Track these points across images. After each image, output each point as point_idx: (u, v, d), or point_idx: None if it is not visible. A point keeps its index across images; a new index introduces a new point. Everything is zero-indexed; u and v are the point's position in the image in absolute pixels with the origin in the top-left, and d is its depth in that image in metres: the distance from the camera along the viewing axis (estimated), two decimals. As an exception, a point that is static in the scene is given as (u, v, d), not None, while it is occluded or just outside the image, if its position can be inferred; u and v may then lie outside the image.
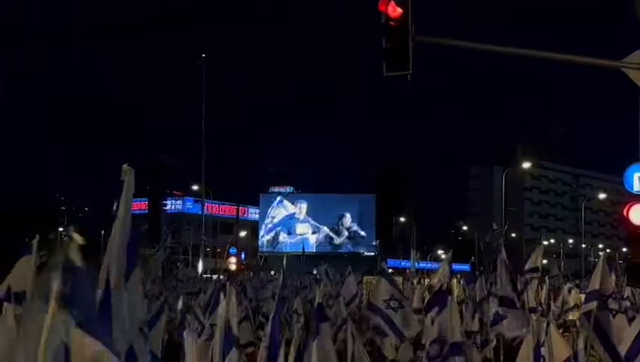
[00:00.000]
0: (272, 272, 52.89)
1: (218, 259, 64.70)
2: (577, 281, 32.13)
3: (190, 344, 5.90)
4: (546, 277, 27.45)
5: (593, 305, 9.78)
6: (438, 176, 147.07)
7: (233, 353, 5.70)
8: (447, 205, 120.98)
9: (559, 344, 7.75)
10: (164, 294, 16.87)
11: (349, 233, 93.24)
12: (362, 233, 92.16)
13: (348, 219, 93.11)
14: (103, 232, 70.47)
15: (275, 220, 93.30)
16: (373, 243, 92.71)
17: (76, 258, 3.46)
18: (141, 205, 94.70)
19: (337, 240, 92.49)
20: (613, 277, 11.20)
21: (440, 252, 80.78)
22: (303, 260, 48.83)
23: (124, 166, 4.27)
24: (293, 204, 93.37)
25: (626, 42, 12.41)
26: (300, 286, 22.48)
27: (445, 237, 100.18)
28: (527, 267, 15.44)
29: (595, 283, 9.96)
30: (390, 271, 66.06)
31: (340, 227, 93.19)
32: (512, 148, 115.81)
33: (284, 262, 19.89)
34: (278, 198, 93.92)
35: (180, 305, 14.12)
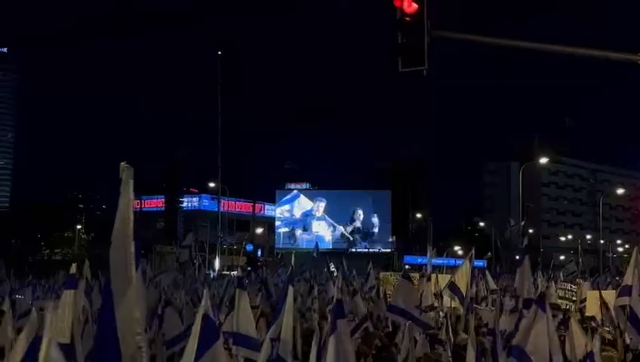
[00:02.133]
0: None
1: (234, 256, 64.89)
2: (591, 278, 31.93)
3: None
4: (560, 273, 27.36)
5: (626, 300, 9.81)
6: (455, 172, 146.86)
7: (217, 345, 5.71)
8: (464, 201, 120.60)
9: (580, 338, 7.85)
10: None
11: (362, 230, 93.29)
12: (375, 230, 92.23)
13: (360, 216, 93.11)
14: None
15: (294, 217, 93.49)
16: (390, 240, 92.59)
17: None
18: (158, 202, 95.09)
19: (349, 237, 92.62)
20: None
21: (457, 248, 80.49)
22: (318, 255, 48.91)
23: (122, 164, 4.29)
24: (312, 200, 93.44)
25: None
26: (316, 283, 22.65)
27: (462, 233, 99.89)
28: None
29: (628, 279, 9.97)
30: (407, 267, 65.99)
31: (353, 224, 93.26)
32: (529, 144, 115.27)
33: (293, 259, 20.16)
34: (295, 192, 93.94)
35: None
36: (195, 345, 5.49)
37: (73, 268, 6.96)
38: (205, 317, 5.63)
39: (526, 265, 11.04)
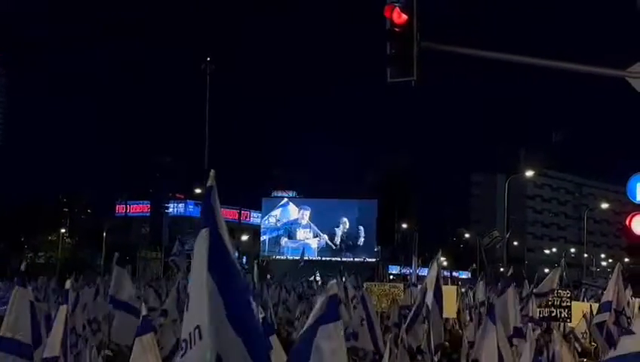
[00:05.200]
0: (269, 276, 52.75)
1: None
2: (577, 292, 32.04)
3: None
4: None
5: (606, 316, 9.88)
6: (442, 183, 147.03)
7: None
8: (450, 212, 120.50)
9: (563, 351, 8.01)
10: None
11: (347, 239, 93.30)
12: (360, 240, 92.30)
13: (346, 225, 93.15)
14: (105, 234, 70.72)
15: (279, 224, 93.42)
16: (375, 250, 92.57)
17: None
18: (143, 208, 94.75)
19: (335, 247, 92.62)
20: (629, 291, 11.34)
21: (442, 259, 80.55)
22: (301, 263, 48.82)
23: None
24: (298, 208, 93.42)
25: (631, 51, 12.39)
26: (300, 293, 22.60)
27: (447, 244, 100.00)
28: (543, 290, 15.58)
29: (608, 294, 10.07)
30: (391, 276, 65.65)
31: (338, 233, 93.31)
32: (515, 156, 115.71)
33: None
34: (285, 200, 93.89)
35: None
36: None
37: (67, 284, 6.94)
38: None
39: (510, 293, 10.87)
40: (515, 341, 10.18)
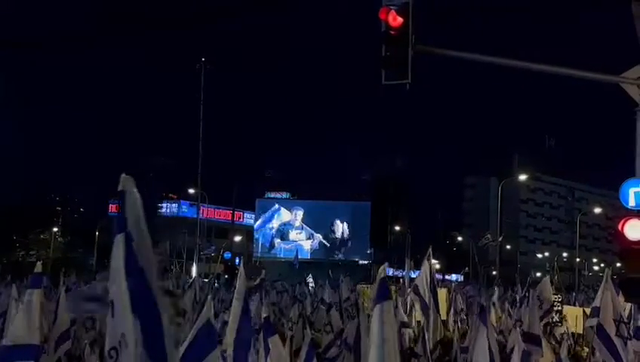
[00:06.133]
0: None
1: (212, 264, 64.58)
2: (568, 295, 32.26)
3: None
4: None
5: (595, 321, 10.10)
6: (435, 186, 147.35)
7: (216, 351, 5.63)
8: (443, 215, 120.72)
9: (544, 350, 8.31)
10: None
11: (341, 240, 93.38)
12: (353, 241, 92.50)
13: (339, 227, 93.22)
14: (97, 233, 70.52)
15: (272, 230, 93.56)
16: (368, 252, 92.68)
17: None
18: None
19: (329, 247, 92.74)
20: (622, 298, 11.45)
21: (434, 261, 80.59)
22: (297, 265, 48.84)
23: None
24: (290, 211, 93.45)
25: (625, 57, 12.45)
26: (295, 295, 22.58)
27: (440, 247, 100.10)
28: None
29: (597, 300, 10.32)
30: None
31: (332, 234, 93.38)
32: (509, 160, 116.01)
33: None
34: (276, 206, 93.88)
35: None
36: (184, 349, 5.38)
37: (38, 267, 6.89)
38: (207, 323, 5.55)
39: (533, 303, 11.29)
40: (532, 348, 10.35)
